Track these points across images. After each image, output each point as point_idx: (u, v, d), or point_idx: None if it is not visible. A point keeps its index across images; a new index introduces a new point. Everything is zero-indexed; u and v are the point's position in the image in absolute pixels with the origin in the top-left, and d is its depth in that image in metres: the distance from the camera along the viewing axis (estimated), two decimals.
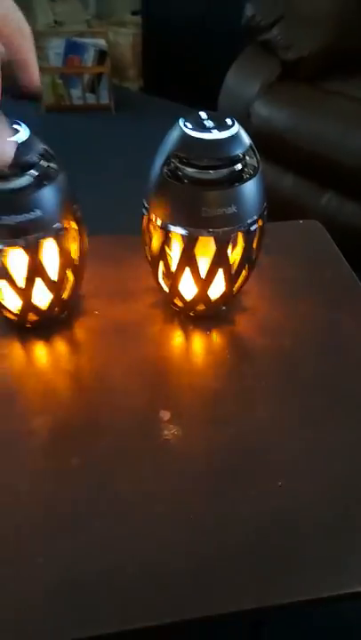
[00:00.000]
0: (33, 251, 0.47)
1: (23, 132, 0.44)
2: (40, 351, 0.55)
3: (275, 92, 1.70)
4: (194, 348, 0.56)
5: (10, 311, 0.52)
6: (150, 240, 0.52)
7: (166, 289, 0.55)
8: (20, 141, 0.43)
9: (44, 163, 0.46)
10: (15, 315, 0.53)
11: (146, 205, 0.50)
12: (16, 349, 0.54)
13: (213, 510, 0.42)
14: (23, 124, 0.45)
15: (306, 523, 0.41)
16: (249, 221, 0.48)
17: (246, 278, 0.54)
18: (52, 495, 0.42)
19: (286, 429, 0.48)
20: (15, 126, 0.44)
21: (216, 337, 0.56)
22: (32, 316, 0.53)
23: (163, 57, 2.81)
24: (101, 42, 2.63)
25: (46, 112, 2.66)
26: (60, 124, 2.60)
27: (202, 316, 0.57)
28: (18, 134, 0.43)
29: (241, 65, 1.85)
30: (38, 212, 0.45)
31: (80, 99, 2.70)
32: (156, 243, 0.51)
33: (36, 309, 0.52)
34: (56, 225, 0.47)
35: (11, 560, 0.38)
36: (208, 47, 2.58)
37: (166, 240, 0.50)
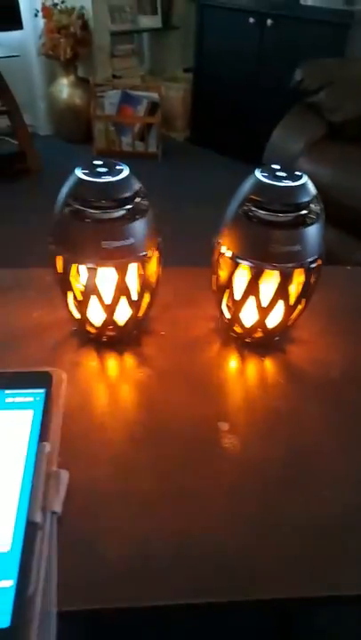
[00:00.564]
0: (122, 272, 0.54)
1: (124, 172, 0.52)
2: (112, 363, 0.61)
3: (319, 150, 1.81)
4: (249, 371, 0.62)
5: (92, 325, 0.60)
6: (219, 270, 0.59)
7: (228, 315, 0.61)
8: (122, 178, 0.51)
9: (138, 199, 0.54)
10: (96, 328, 0.60)
11: (218, 240, 0.57)
12: (92, 360, 0.61)
13: (263, 510, 0.47)
14: (124, 165, 0.54)
15: (347, 526, 0.46)
16: (309, 260, 0.55)
17: (302, 311, 0.60)
18: (125, 484, 0.48)
19: (332, 448, 0.53)
20: (118, 167, 0.53)
21: (269, 363, 0.62)
22: (110, 331, 0.60)
23: (210, 111, 2.99)
24: (154, 95, 2.82)
25: (97, 155, 2.83)
26: None
27: (257, 343, 0.63)
28: (121, 173, 0.52)
29: (288, 123, 1.97)
30: (131, 240, 0.53)
31: (129, 145, 2.88)
32: (224, 273, 0.58)
33: (115, 325, 0.59)
34: (142, 252, 0.55)
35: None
36: (253, 105, 2.74)
37: (235, 271, 0.57)
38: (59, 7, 2.75)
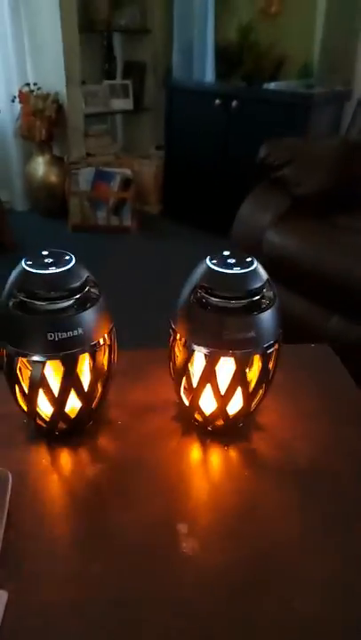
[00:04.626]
0: (70, 364, 0.52)
1: (71, 262, 0.51)
2: (65, 459, 0.58)
3: (286, 222, 1.86)
4: (211, 463, 0.58)
5: (42, 418, 0.56)
6: (174, 357, 0.57)
7: (187, 403, 0.59)
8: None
9: (87, 288, 0.53)
10: (46, 422, 0.56)
11: (172, 326, 0.56)
12: (42, 456, 0.57)
13: (228, 626, 0.42)
14: (71, 255, 0.52)
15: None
16: (265, 345, 0.53)
17: (263, 396, 0.58)
18: (71, 602, 0.43)
19: (302, 548, 0.49)
20: (65, 257, 0.51)
21: (233, 453, 0.59)
22: (61, 425, 0.57)
23: (181, 186, 3.09)
24: (127, 171, 2.91)
25: (72, 231, 2.87)
26: (84, 241, 2.80)
27: (220, 431, 0.60)
28: (68, 263, 0.50)
29: (255, 197, 2.03)
30: (79, 331, 0.51)
31: (104, 219, 2.93)
32: (179, 360, 0.56)
33: (65, 417, 0.56)
34: (93, 342, 0.52)
35: None
36: (223, 180, 2.84)
37: (189, 358, 0.55)
38: (35, 93, 2.88)
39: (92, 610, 0.43)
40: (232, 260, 0.52)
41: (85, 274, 0.53)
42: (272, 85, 2.70)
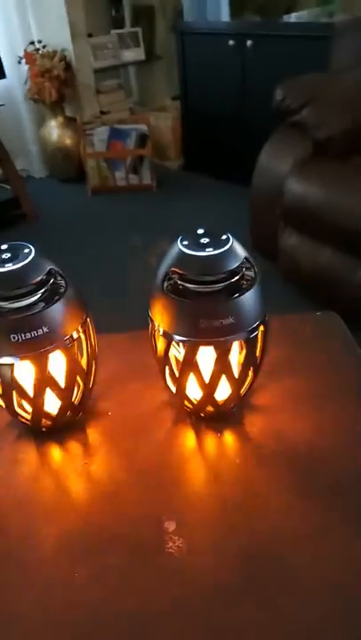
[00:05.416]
0: (41, 364, 0.49)
1: (30, 255, 0.47)
2: (53, 455, 0.56)
3: (307, 169, 1.75)
4: (202, 453, 0.55)
5: (24, 417, 0.54)
6: (156, 346, 0.53)
7: (174, 390, 0.56)
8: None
9: (52, 281, 0.49)
10: (28, 420, 0.54)
11: (150, 315, 0.52)
12: (31, 454, 0.56)
13: (218, 632, 0.40)
14: (31, 246, 0.49)
15: None
16: (248, 329, 0.49)
17: (252, 381, 0.54)
18: (54, 609, 0.42)
19: (299, 540, 0.46)
20: (25, 250, 0.48)
21: (226, 439, 0.56)
22: (45, 422, 0.55)
23: (201, 137, 2.96)
24: (142, 127, 2.80)
25: (92, 194, 2.82)
26: (105, 204, 2.75)
27: (212, 417, 0.57)
28: (27, 257, 0.47)
29: (274, 144, 1.92)
30: (46, 329, 0.47)
31: (123, 180, 2.86)
32: (160, 349, 0.52)
33: (47, 415, 0.54)
34: (64, 338, 0.49)
35: None
36: (242, 126, 2.70)
37: (169, 347, 0.51)
38: (40, 52, 2.78)
39: (79, 613, 0.42)
40: (205, 240, 0.47)
41: (48, 265, 0.49)
42: (290, 18, 2.50)
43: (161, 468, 0.53)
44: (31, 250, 0.48)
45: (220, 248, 0.46)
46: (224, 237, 0.47)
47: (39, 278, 0.48)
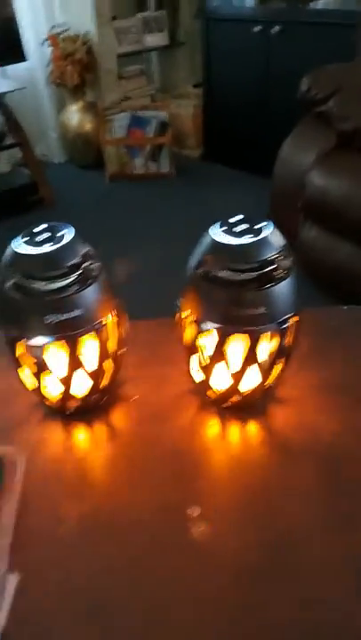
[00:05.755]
0: (72, 346, 0.49)
1: (67, 236, 0.47)
2: (78, 437, 0.56)
3: (330, 161, 1.73)
4: (228, 440, 0.56)
5: (50, 400, 0.55)
6: (183, 334, 0.53)
7: (198, 380, 0.56)
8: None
9: (86, 264, 0.49)
10: (54, 403, 0.55)
11: (178, 303, 0.52)
12: (56, 435, 0.56)
13: (238, 618, 0.40)
14: (70, 227, 0.49)
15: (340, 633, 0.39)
16: (280, 320, 0.48)
17: (282, 371, 0.54)
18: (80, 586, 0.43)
19: (323, 532, 0.46)
20: (61, 231, 0.48)
21: (251, 430, 0.56)
22: (72, 403, 0.55)
23: (222, 126, 2.93)
24: (163, 114, 2.78)
25: (110, 181, 2.81)
26: (122, 191, 2.74)
27: (236, 407, 0.57)
28: (63, 238, 0.47)
29: (297, 135, 1.90)
30: (79, 312, 0.48)
31: (142, 167, 2.85)
32: (188, 337, 0.52)
33: (74, 398, 0.54)
34: (95, 322, 0.50)
35: None
36: (266, 117, 2.67)
37: (197, 335, 0.51)
38: (62, 35, 2.76)
39: (101, 595, 0.42)
40: (243, 227, 0.47)
41: (84, 248, 0.49)
42: (317, 4, 2.46)
43: (185, 454, 0.54)
44: (71, 231, 0.48)
45: (256, 236, 0.46)
46: (261, 224, 0.47)
47: (75, 261, 0.48)
